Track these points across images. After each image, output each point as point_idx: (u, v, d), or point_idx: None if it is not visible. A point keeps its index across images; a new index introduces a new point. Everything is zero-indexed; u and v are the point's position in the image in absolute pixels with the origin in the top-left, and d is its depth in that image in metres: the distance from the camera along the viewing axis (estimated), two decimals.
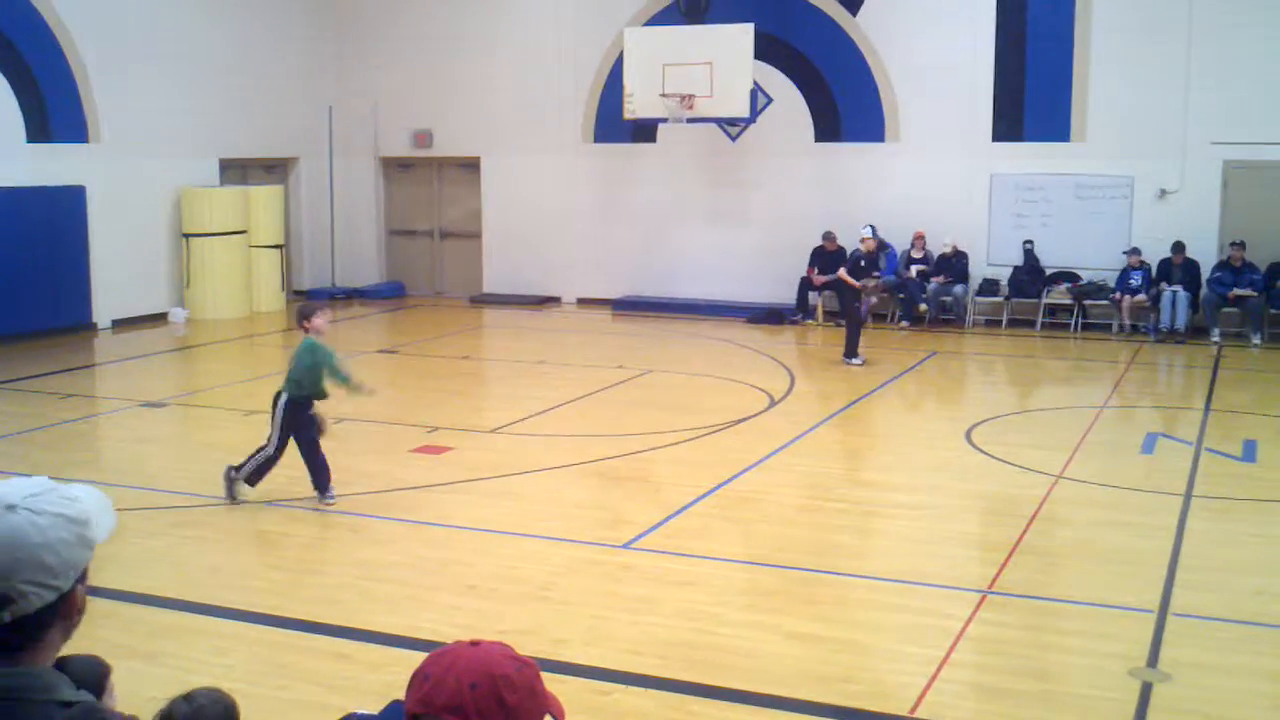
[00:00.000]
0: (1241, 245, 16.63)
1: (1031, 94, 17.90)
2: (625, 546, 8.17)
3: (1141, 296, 17.13)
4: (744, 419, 12.04)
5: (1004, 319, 18.10)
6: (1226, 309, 16.79)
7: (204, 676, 4.97)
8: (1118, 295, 17.28)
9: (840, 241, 18.18)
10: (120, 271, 17.63)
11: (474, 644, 1.94)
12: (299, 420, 8.94)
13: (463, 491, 9.53)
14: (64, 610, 2.00)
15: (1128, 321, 17.30)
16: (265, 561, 8.14)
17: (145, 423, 12.06)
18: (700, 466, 10.22)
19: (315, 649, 6.51)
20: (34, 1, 16.52)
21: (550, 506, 9.17)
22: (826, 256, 18.10)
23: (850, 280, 15.15)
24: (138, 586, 7.26)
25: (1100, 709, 5.86)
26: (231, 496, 9.02)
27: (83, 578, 2.03)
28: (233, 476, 9.04)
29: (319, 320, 9.11)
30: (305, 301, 9.52)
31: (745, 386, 13.66)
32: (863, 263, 15.47)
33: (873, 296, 15.16)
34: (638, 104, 18.15)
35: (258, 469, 9.01)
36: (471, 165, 21.32)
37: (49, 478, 2.05)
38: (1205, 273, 16.98)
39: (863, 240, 15.71)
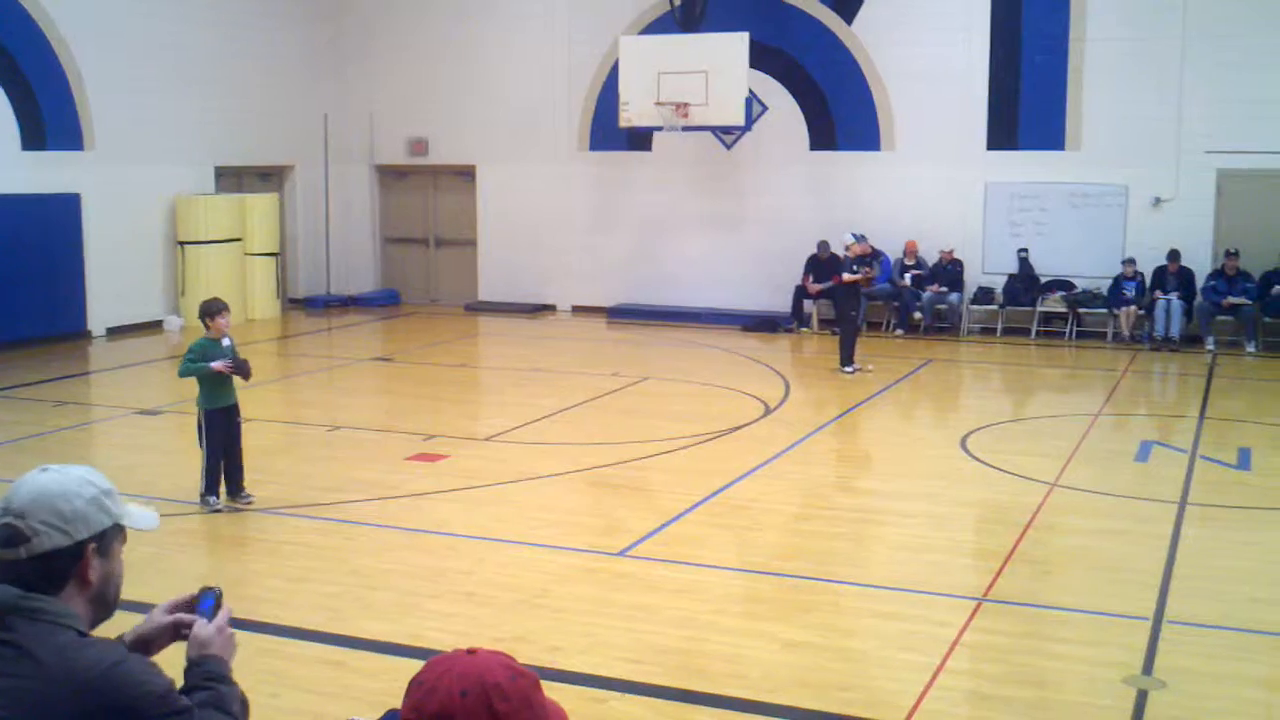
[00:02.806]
0: (1235, 254, 16.67)
1: (1026, 103, 17.93)
2: (621, 554, 8.17)
3: (1135, 306, 17.17)
4: (739, 427, 12.04)
5: (999, 327, 18.12)
6: (1221, 317, 16.82)
7: None
8: (1113, 305, 17.31)
9: (834, 249, 18.21)
10: (115, 279, 17.61)
11: (471, 652, 1.94)
12: (224, 425, 9.07)
13: (458, 499, 9.52)
14: (79, 569, 2.30)
15: (1123, 330, 17.33)
16: (260, 569, 8.13)
17: (140, 430, 12.05)
18: (696, 474, 10.22)
19: (310, 657, 6.50)
20: (30, 9, 16.52)
21: (546, 514, 9.17)
22: (821, 265, 18.12)
23: (850, 277, 15.03)
24: (131, 594, 7.10)
25: (1095, 716, 5.86)
26: (216, 507, 9.07)
27: (101, 545, 2.33)
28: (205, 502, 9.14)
29: (222, 320, 9.09)
30: (211, 299, 9.38)
31: (740, 394, 13.66)
32: (854, 267, 15.39)
33: (864, 272, 15.18)
34: (633, 112, 18.17)
35: (208, 481, 9.05)
36: (467, 173, 21.34)
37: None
38: (1200, 281, 17.02)
39: (848, 248, 15.54)
